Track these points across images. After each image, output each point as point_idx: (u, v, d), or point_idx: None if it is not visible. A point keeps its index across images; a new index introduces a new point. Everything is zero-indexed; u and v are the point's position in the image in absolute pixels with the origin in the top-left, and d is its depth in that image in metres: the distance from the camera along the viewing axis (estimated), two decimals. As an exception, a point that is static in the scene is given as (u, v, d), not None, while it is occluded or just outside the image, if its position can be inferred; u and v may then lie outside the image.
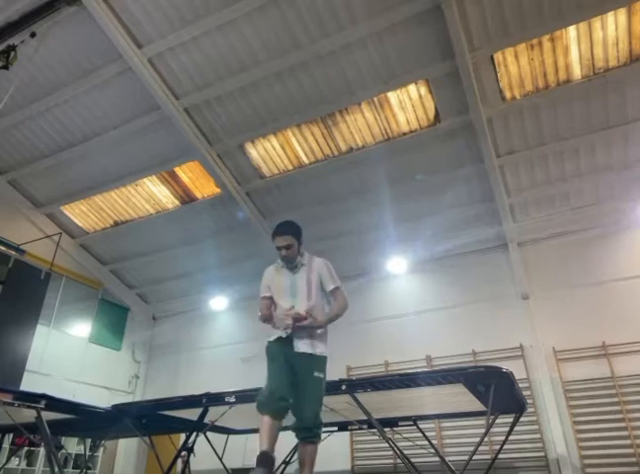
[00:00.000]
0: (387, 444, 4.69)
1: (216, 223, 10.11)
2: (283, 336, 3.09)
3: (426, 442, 5.92)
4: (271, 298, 3.29)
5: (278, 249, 3.29)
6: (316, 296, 3.23)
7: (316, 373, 3.04)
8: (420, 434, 5.99)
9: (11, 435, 8.00)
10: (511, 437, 4.96)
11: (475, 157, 8.14)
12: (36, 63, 7.57)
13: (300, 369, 3.03)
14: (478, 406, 4.76)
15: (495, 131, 7.79)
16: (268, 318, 3.18)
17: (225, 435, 6.52)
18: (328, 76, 7.47)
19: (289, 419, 3.01)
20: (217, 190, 9.52)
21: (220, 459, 6.06)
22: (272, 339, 3.18)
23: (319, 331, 3.15)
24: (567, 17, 6.37)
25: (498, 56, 6.96)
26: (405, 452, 5.62)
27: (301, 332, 3.09)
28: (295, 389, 2.99)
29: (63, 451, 8.59)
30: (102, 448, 9.44)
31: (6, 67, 6.50)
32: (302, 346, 3.08)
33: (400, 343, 9.17)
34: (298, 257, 3.33)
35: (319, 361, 3.10)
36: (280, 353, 3.09)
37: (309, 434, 2.97)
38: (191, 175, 9.52)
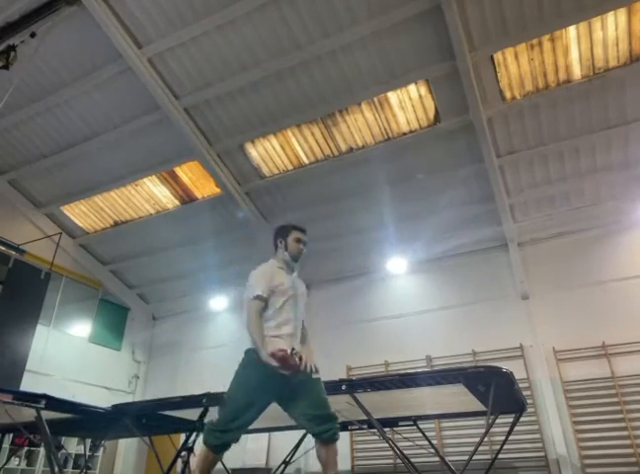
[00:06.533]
0: (387, 444, 4.68)
1: (216, 223, 10.10)
2: (286, 374, 2.75)
3: (426, 442, 5.90)
4: (265, 301, 2.98)
5: (299, 242, 3.12)
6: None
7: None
8: (420, 434, 5.97)
9: (11, 435, 7.99)
10: (511, 437, 4.94)
11: (475, 157, 8.13)
12: (36, 63, 7.56)
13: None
14: (478, 406, 4.75)
15: (495, 131, 7.79)
16: (288, 361, 2.71)
17: (225, 435, 6.53)
18: (328, 76, 7.47)
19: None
20: (217, 190, 9.52)
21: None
22: (267, 359, 2.79)
23: None
24: (567, 17, 6.37)
25: (498, 56, 6.96)
26: (405, 452, 5.59)
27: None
28: (304, 392, 2.81)
29: (63, 451, 8.58)
30: (102, 448, 9.41)
31: (6, 67, 6.50)
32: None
33: (400, 343, 9.16)
34: None
35: None
36: (274, 389, 2.82)
37: (335, 430, 2.73)
38: (191, 175, 9.52)
